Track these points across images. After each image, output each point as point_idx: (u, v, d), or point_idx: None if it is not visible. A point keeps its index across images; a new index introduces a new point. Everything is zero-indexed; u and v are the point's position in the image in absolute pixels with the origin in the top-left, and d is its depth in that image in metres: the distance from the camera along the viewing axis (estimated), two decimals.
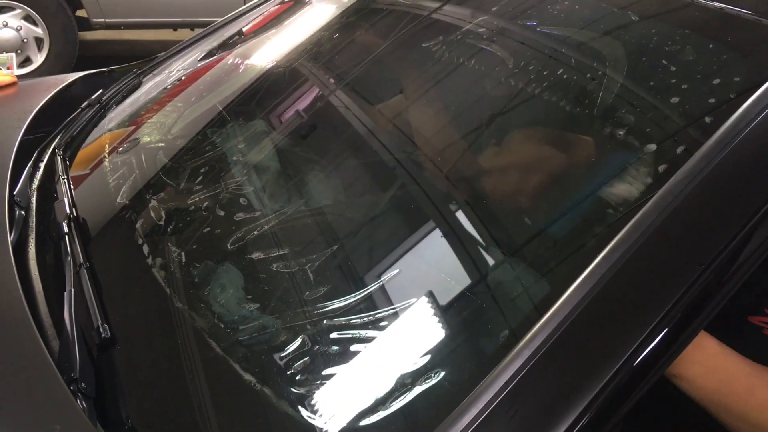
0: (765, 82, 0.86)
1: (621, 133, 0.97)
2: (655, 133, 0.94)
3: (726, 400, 0.88)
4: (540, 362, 0.75)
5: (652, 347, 0.75)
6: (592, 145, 1.04)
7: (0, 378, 0.96)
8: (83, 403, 0.89)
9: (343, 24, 1.78)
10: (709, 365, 0.88)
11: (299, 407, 0.85)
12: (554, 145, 1.11)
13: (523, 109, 1.21)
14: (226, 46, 2.03)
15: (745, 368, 0.89)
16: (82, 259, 1.13)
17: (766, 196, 0.80)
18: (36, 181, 1.51)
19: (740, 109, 0.84)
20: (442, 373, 0.83)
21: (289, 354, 0.91)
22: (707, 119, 0.89)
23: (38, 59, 4.89)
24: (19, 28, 4.75)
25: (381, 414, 0.81)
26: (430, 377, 0.82)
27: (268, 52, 1.87)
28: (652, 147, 0.92)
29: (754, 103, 0.84)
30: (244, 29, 2.12)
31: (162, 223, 1.22)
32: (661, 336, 0.75)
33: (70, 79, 2.05)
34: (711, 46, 1.03)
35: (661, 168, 0.88)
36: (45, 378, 0.94)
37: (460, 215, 1.07)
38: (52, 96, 1.90)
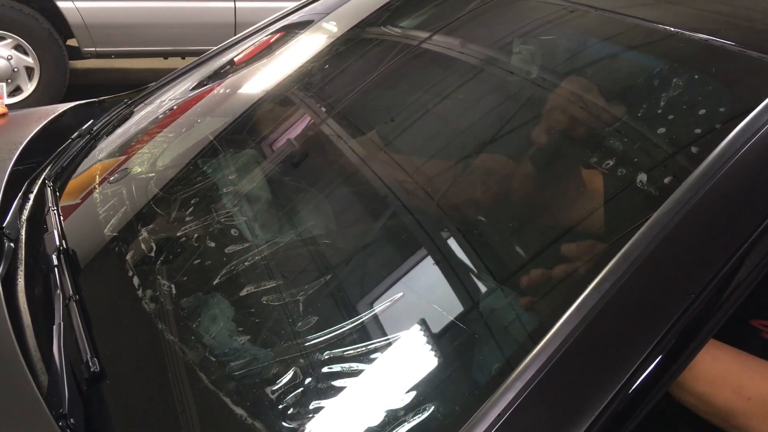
0: (750, 111, 0.87)
1: (609, 163, 0.98)
2: (643, 163, 0.95)
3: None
4: (533, 393, 0.75)
5: (646, 375, 0.75)
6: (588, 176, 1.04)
7: None
8: None
9: (334, 54, 1.79)
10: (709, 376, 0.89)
11: None
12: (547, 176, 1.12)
13: (513, 138, 1.22)
14: (218, 75, 2.04)
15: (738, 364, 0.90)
16: (71, 292, 1.12)
17: (755, 224, 0.80)
18: (25, 213, 1.50)
19: (727, 139, 0.85)
20: (435, 405, 0.82)
21: (280, 387, 0.90)
22: (694, 149, 0.90)
23: (29, 88, 4.89)
24: (9, 57, 4.76)
25: None
26: (423, 410, 0.82)
27: (259, 82, 1.88)
28: (640, 177, 0.92)
29: (741, 132, 0.85)
30: (235, 59, 2.13)
31: (152, 254, 1.22)
32: (654, 364, 0.75)
33: (61, 110, 2.06)
34: (696, 77, 1.05)
35: (650, 198, 0.89)
36: (33, 414, 0.92)
37: (453, 244, 1.07)
38: (42, 126, 1.90)
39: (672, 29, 1.14)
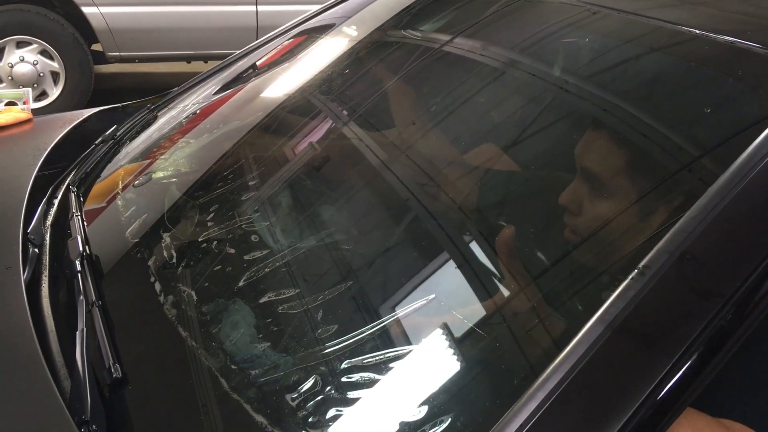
0: None
1: (634, 167, 0.97)
2: (667, 167, 0.94)
3: None
4: (557, 403, 0.73)
5: (675, 381, 0.73)
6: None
7: (10, 419, 0.96)
8: None
9: (355, 58, 1.79)
10: None
11: None
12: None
13: (535, 140, 1.21)
14: (240, 80, 2.05)
15: None
16: (94, 298, 1.13)
17: None
18: (50, 218, 1.51)
19: (754, 144, 0.83)
20: (456, 415, 0.81)
21: (301, 394, 0.90)
22: (719, 154, 0.88)
23: (54, 93, 4.96)
24: (35, 62, 4.83)
25: None
26: (444, 419, 0.81)
27: (281, 86, 1.88)
28: (665, 181, 0.91)
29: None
30: (257, 63, 2.14)
31: (175, 261, 1.22)
32: (683, 370, 0.74)
33: (85, 115, 2.07)
34: (721, 79, 1.03)
35: (674, 203, 0.87)
36: (55, 420, 0.93)
37: (475, 248, 1.06)
38: (67, 132, 1.92)
39: (697, 31, 1.12)
